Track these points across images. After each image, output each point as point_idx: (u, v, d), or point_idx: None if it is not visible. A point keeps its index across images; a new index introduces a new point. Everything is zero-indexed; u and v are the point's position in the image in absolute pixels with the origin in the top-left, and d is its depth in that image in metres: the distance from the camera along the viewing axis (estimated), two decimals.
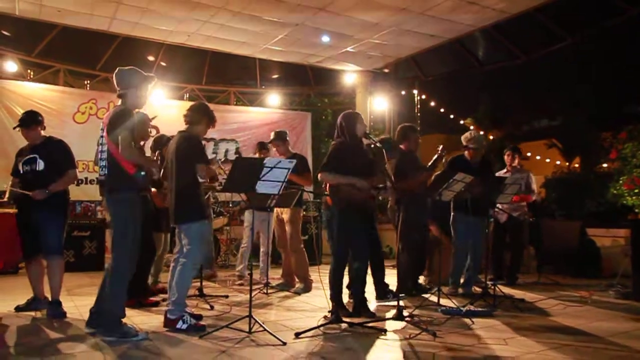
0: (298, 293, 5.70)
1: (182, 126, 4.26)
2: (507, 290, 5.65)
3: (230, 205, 8.82)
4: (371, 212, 4.88)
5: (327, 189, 4.53)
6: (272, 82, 11.74)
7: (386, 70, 10.71)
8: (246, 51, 9.61)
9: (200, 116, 4.23)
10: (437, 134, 15.17)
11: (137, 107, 3.88)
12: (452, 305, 4.70)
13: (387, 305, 4.96)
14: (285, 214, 5.81)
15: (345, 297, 4.72)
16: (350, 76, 10.90)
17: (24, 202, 4.40)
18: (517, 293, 5.63)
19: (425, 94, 11.11)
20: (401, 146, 5.53)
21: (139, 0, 7.32)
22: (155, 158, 5.02)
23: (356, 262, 4.44)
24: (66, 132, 8.12)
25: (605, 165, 10.20)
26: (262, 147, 6.39)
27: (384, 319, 4.32)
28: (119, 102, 3.86)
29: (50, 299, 4.40)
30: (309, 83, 11.77)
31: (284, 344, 3.47)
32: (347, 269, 4.55)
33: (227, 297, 5.38)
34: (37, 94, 8.97)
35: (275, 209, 5.85)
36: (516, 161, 6.56)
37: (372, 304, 4.87)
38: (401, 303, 4.25)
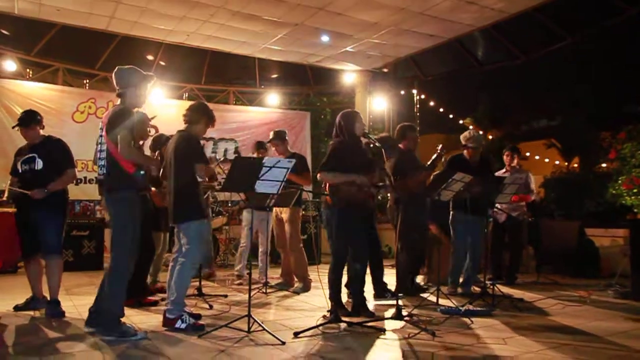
0: (297, 292, 5.70)
1: (181, 125, 4.25)
2: (506, 289, 5.65)
3: (230, 204, 8.81)
4: (370, 211, 4.88)
5: (327, 189, 4.53)
6: (272, 82, 11.74)
7: (385, 70, 10.71)
8: (245, 51, 9.61)
9: (199, 116, 4.23)
10: (436, 133, 15.18)
11: (137, 106, 3.88)
12: (451, 304, 4.70)
13: (386, 304, 4.97)
14: (285, 213, 5.81)
15: (344, 297, 4.72)
16: (349, 76, 10.90)
17: (23, 202, 4.40)
18: (516, 293, 5.63)
19: (424, 93, 11.12)
20: (400, 145, 5.53)
21: None
22: (155, 157, 5.01)
23: (355, 262, 4.44)
24: (65, 132, 8.11)
25: (604, 165, 10.21)
26: (260, 146, 6.38)
27: (383, 319, 4.31)
28: (118, 101, 3.86)
29: (49, 299, 4.40)
30: (308, 83, 11.77)
31: (283, 343, 3.47)
32: (345, 268, 4.55)
33: (226, 296, 5.38)
34: (36, 93, 8.96)
35: (274, 209, 5.85)
36: (515, 161, 6.56)
37: (371, 302, 4.87)
38: (400, 302, 4.25)
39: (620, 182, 6.79)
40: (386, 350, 3.47)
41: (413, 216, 4.92)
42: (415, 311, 4.49)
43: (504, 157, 6.65)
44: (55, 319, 4.23)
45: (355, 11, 7.62)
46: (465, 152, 5.70)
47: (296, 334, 3.71)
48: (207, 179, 4.27)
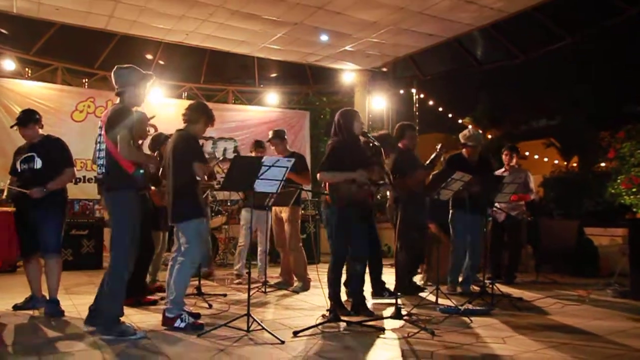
0: (296, 292, 5.70)
1: (180, 125, 4.25)
2: (505, 289, 5.66)
3: (229, 204, 8.81)
4: (370, 210, 4.88)
5: (327, 188, 4.52)
6: (271, 81, 11.73)
7: (384, 69, 10.71)
8: (245, 50, 9.60)
9: (198, 115, 4.22)
10: (436, 133, 15.18)
11: (136, 105, 3.87)
12: (450, 304, 4.70)
13: (384, 303, 4.97)
14: (285, 212, 5.81)
15: (343, 296, 4.72)
16: (348, 75, 10.90)
17: (22, 201, 4.39)
18: (515, 292, 5.64)
19: (423, 93, 11.12)
20: (399, 144, 5.53)
21: None
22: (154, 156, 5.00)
23: (355, 261, 4.44)
24: (64, 131, 8.08)
25: (603, 164, 10.22)
26: (258, 145, 6.36)
27: (383, 318, 4.32)
28: (117, 100, 3.86)
29: (48, 298, 4.39)
30: (307, 82, 11.77)
31: (282, 342, 3.47)
32: (344, 267, 4.55)
33: (225, 295, 5.37)
34: (35, 92, 8.96)
35: (273, 208, 5.85)
36: (514, 160, 6.57)
37: (369, 301, 4.86)
38: (399, 302, 4.24)
39: (619, 181, 6.81)
40: (385, 349, 3.47)
41: (412, 215, 4.92)
42: (414, 310, 4.49)
43: (503, 156, 6.66)
44: (55, 318, 4.22)
45: (354, 10, 7.62)
46: (464, 151, 5.70)
47: (295, 333, 3.70)
48: (206, 178, 4.27)
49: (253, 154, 6.11)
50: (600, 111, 15.24)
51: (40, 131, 4.53)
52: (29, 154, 4.42)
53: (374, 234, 5.16)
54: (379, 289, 5.27)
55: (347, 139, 4.43)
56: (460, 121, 13.00)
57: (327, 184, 4.51)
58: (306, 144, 11.30)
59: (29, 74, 9.69)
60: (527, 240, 7.09)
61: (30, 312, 4.44)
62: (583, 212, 9.02)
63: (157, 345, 3.45)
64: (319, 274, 4.93)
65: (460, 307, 4.56)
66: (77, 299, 4.95)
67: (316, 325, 3.91)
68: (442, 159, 5.55)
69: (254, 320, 3.73)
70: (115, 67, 3.86)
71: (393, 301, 4.30)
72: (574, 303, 5.09)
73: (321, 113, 12.42)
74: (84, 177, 8.99)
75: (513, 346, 3.49)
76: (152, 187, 4.93)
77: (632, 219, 6.33)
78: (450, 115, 12.39)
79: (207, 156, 4.85)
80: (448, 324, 4.10)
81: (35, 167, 4.38)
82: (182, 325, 3.83)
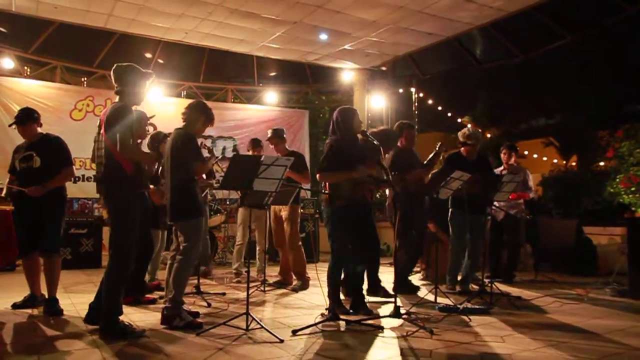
0: (295, 290, 5.70)
1: (180, 124, 4.23)
2: (504, 287, 5.66)
3: (228, 202, 8.81)
4: (369, 209, 4.88)
5: (327, 188, 4.52)
6: (270, 80, 11.73)
7: (384, 68, 10.71)
8: (244, 49, 9.60)
9: (197, 114, 4.21)
10: (435, 132, 15.20)
11: (135, 104, 3.86)
12: (449, 302, 4.70)
13: (382, 302, 4.97)
14: (284, 211, 5.81)
15: (342, 294, 4.71)
16: (347, 74, 10.90)
17: (21, 199, 4.39)
18: (514, 291, 5.64)
19: (422, 92, 11.13)
20: (397, 143, 5.53)
21: None
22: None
23: (355, 260, 4.44)
24: (63, 129, 8.03)
25: (602, 163, 10.25)
26: (255, 144, 6.35)
27: (381, 317, 4.32)
28: (117, 98, 3.85)
29: (47, 296, 4.39)
30: (306, 81, 11.77)
31: (281, 341, 3.47)
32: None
33: (224, 294, 5.37)
34: (34, 90, 8.95)
35: (273, 207, 5.85)
36: (512, 159, 6.57)
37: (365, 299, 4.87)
38: (398, 300, 4.24)
39: (618, 180, 6.81)
40: (384, 348, 3.47)
41: (411, 214, 4.91)
42: (413, 309, 4.49)
43: (502, 155, 6.65)
44: (54, 317, 4.22)
45: (353, 9, 7.61)
46: (462, 149, 5.70)
47: (294, 332, 3.71)
48: (204, 177, 4.27)
49: (251, 153, 6.11)
50: (601, 111, 15.23)
51: (39, 130, 4.53)
52: (28, 153, 4.41)
53: (373, 232, 5.16)
54: (375, 287, 5.27)
55: (346, 137, 4.41)
56: (459, 120, 13.00)
57: (327, 183, 4.50)
58: (305, 142, 11.30)
59: (28, 73, 9.67)
60: (526, 239, 7.10)
61: (29, 311, 4.43)
62: (582, 211, 9.03)
63: (156, 343, 3.45)
64: (318, 273, 4.93)
65: (459, 306, 4.56)
66: (76, 298, 4.95)
67: (315, 324, 3.91)
68: (441, 157, 5.54)
69: (253, 319, 3.73)
70: (115, 65, 3.85)
71: (389, 300, 4.30)
72: (573, 302, 5.10)
73: (320, 112, 12.42)
74: (83, 175, 8.99)
75: (512, 345, 3.49)
76: (152, 186, 4.93)
77: (631, 218, 6.33)
78: (449, 114, 12.39)
79: (206, 154, 4.84)
80: (447, 323, 4.10)
81: (34, 165, 4.38)
82: (181, 323, 3.82)
